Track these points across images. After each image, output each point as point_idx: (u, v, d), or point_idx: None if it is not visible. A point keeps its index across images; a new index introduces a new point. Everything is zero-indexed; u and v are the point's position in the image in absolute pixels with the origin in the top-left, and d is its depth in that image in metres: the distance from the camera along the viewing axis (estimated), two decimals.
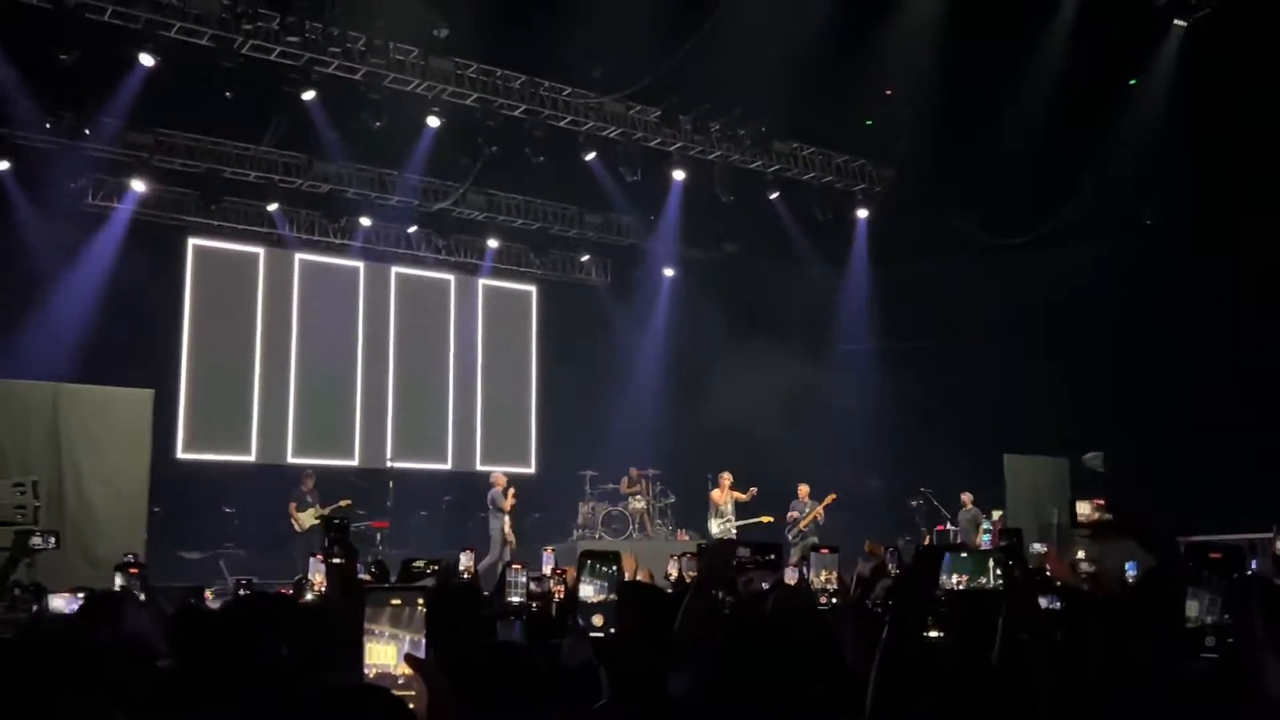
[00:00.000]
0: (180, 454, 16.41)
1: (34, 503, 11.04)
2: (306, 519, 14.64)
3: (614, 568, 2.99)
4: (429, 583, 5.20)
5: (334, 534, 3.91)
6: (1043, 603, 4.35)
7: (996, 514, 16.11)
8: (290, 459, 17.28)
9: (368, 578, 5.97)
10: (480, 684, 1.94)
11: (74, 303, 14.80)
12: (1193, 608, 2.38)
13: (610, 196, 17.40)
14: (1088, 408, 15.87)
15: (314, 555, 5.32)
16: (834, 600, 3.70)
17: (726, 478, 15.64)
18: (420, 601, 1.88)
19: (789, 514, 15.83)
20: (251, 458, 17.20)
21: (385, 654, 1.86)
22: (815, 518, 15.71)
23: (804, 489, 15.88)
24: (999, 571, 3.29)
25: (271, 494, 15.77)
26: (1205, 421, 14.48)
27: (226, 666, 3.07)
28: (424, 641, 1.87)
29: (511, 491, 15.16)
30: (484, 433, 19.29)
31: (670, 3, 13.24)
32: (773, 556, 3.49)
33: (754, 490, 15.64)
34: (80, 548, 11.57)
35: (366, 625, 1.87)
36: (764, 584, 5.55)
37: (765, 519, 15.77)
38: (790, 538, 15.59)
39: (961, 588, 3.33)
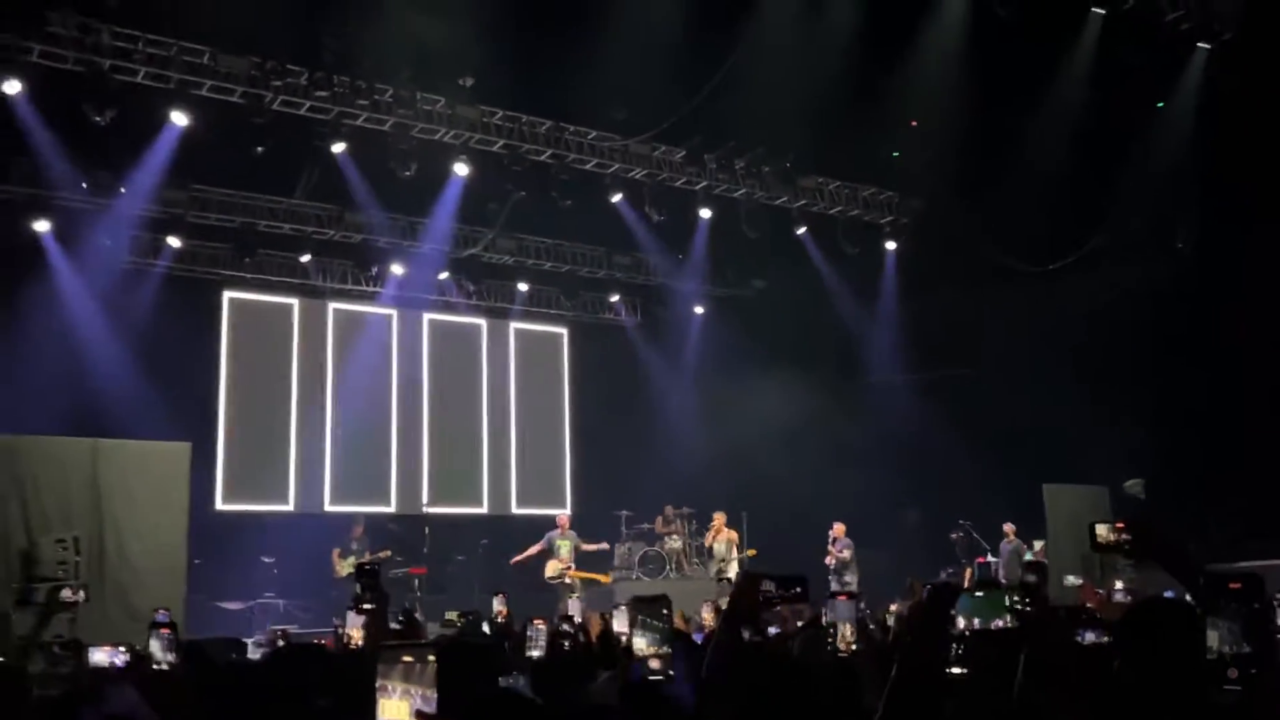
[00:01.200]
0: (219, 505, 16.54)
1: (75, 558, 11.20)
2: (345, 567, 14.70)
3: (665, 613, 2.96)
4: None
5: (365, 580, 3.94)
6: (1089, 637, 4.28)
7: (1038, 544, 15.95)
8: (328, 507, 17.39)
9: (395, 627, 5.99)
10: None
11: (112, 358, 14.99)
12: (1213, 638, 2.34)
13: (638, 237, 17.50)
14: (1127, 434, 15.68)
15: (349, 608, 5.34)
16: (854, 646, 3.65)
17: (719, 517, 15.60)
18: (431, 657, 1.90)
19: (829, 554, 15.74)
20: (289, 507, 17.31)
21: (398, 710, 1.87)
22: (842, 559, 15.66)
23: (839, 527, 15.79)
24: (1013, 610, 3.25)
25: (310, 543, 15.86)
26: (1247, 446, 14.28)
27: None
28: (435, 697, 1.88)
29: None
30: (519, 475, 19.33)
31: (691, 43, 13.34)
32: (799, 590, 3.42)
33: (751, 551, 15.70)
34: (121, 602, 11.66)
35: (380, 682, 1.89)
36: (799, 622, 5.51)
37: (750, 552, 15.73)
38: (832, 574, 15.55)
39: (977, 627, 3.29)
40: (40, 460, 12.12)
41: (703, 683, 3.04)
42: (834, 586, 15.32)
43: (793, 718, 2.75)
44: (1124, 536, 3.71)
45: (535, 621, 5.13)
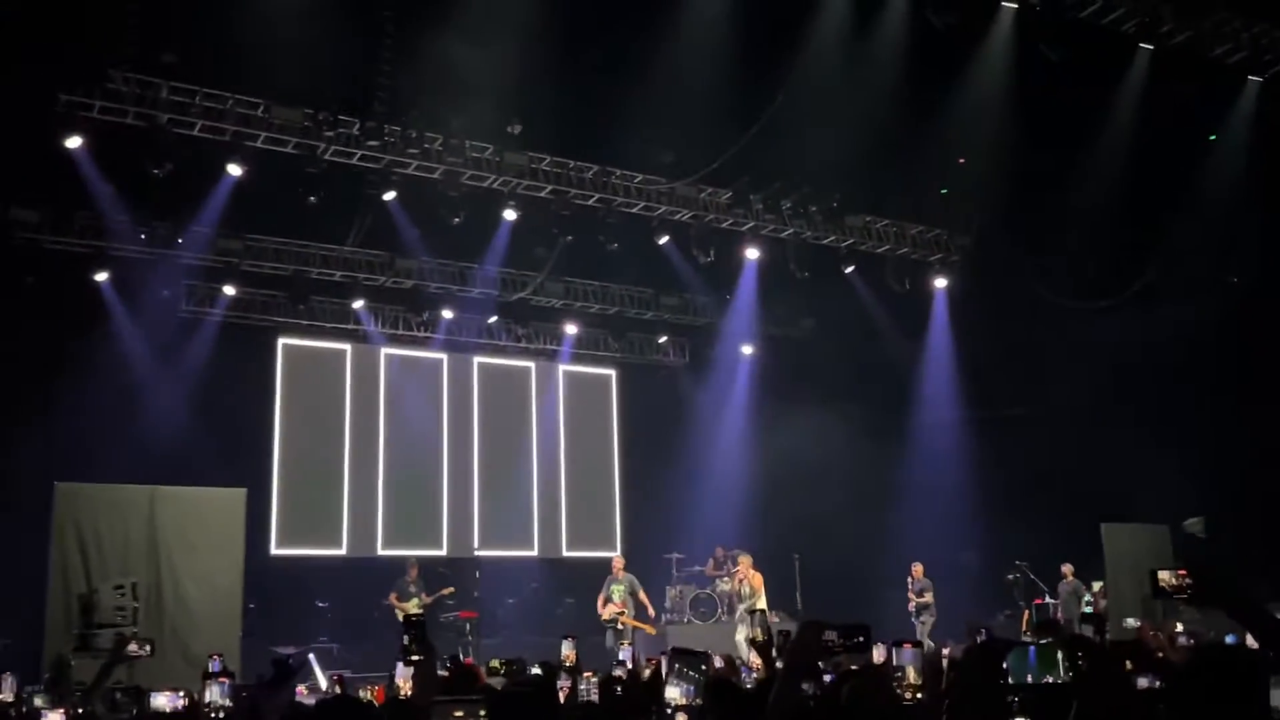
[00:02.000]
0: (273, 550, 16.67)
1: (133, 604, 11.36)
2: (410, 608, 14.69)
3: (702, 668, 2.95)
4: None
5: (412, 632, 3.95)
6: (1143, 682, 4.21)
7: (1097, 585, 15.68)
8: (380, 551, 17.48)
9: (445, 674, 5.99)
10: None
11: (169, 405, 15.21)
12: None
13: (685, 278, 17.55)
14: (1186, 472, 15.39)
15: (398, 658, 5.37)
16: (919, 696, 3.59)
17: (745, 560, 15.41)
18: (482, 713, 1.91)
19: (909, 598, 15.64)
20: (342, 551, 17.41)
21: None
22: (925, 602, 15.55)
23: (918, 568, 15.68)
24: (1067, 665, 3.19)
25: (363, 587, 15.96)
26: None
27: None
28: None
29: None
30: (569, 518, 19.33)
31: (736, 85, 13.41)
32: (861, 639, 3.38)
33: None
34: (178, 647, 11.80)
35: None
36: (853, 665, 5.46)
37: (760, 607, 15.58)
38: (914, 617, 15.47)
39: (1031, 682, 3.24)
40: (100, 508, 12.35)
41: None
42: (916, 627, 15.22)
43: None
44: (1186, 582, 3.64)
45: (587, 674, 5.10)
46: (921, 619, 15.59)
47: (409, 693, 5.06)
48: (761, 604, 15.18)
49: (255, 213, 14.86)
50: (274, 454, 17.11)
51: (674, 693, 2.87)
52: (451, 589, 15.28)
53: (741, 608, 15.18)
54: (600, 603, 15.11)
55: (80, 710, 5.16)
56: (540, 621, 16.04)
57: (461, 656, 12.39)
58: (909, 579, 15.81)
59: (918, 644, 3.63)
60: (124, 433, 14.26)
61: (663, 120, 13.92)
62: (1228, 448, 15.16)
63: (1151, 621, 11.62)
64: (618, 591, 15.07)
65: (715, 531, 17.40)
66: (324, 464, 17.55)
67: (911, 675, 3.56)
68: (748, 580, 15.19)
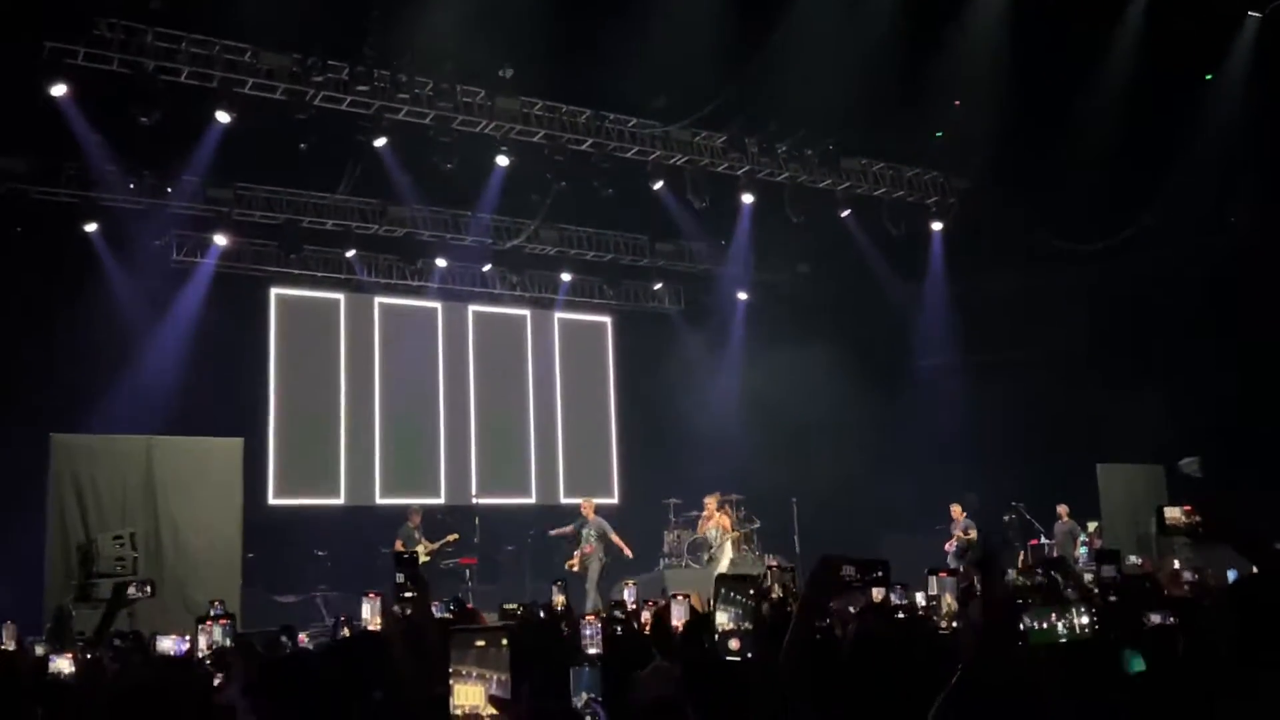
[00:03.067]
0: (271, 500, 16.69)
1: (132, 554, 11.37)
2: (421, 553, 14.69)
3: (751, 592, 2.90)
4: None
5: (405, 570, 3.93)
6: (1154, 618, 4.20)
7: (1092, 525, 15.78)
8: (378, 500, 17.52)
9: (449, 616, 5.99)
10: None
11: (163, 356, 15.16)
12: None
13: (680, 224, 17.44)
14: (1181, 412, 15.43)
15: (365, 595, 5.38)
16: (954, 625, 3.54)
17: (711, 502, 15.34)
18: (505, 641, 1.88)
19: (952, 540, 15.61)
20: (341, 501, 17.44)
21: (473, 695, 1.85)
22: (970, 540, 15.46)
23: (957, 508, 15.65)
24: (1083, 622, 3.12)
25: (362, 535, 15.99)
26: None
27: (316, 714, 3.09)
28: (510, 680, 1.87)
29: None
30: (566, 465, 19.37)
31: (730, 27, 13.25)
32: (880, 573, 3.33)
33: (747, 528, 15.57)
34: (179, 595, 11.81)
35: (453, 667, 1.87)
36: (850, 607, 5.45)
37: (734, 535, 15.56)
38: (950, 559, 15.43)
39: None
40: (97, 458, 12.33)
41: (781, 673, 2.98)
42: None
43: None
44: (1195, 519, 3.60)
45: (588, 618, 5.08)
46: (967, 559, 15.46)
47: (375, 627, 5.07)
48: (727, 553, 15.17)
49: (245, 161, 14.71)
50: (269, 404, 17.09)
51: (723, 618, 2.83)
52: (455, 535, 15.31)
53: (705, 555, 15.24)
54: (566, 534, 15.20)
55: (89, 655, 5.16)
56: (539, 568, 16.10)
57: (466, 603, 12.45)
58: (951, 523, 15.69)
59: (954, 572, 3.58)
60: (117, 383, 14.24)
61: (656, 63, 13.75)
62: (1224, 388, 15.17)
63: (1151, 559, 11.70)
64: (589, 536, 15.01)
65: (712, 477, 17.41)
66: (320, 413, 17.54)
67: (946, 603, 3.52)
68: (715, 522, 15.20)
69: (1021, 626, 3.20)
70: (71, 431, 12.66)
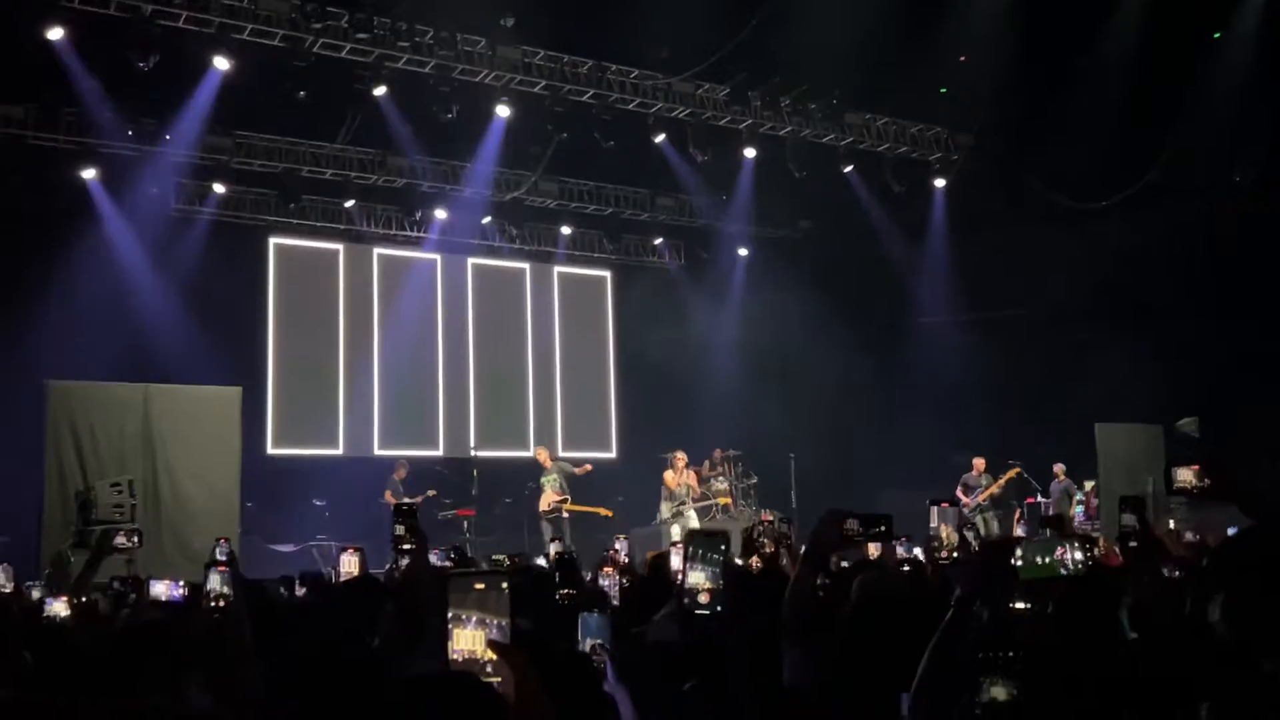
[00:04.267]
0: (270, 449, 16.72)
1: (130, 501, 11.38)
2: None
3: (723, 548, 2.87)
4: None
5: (404, 521, 3.93)
6: (1164, 570, 4.21)
7: (1089, 484, 15.80)
8: (377, 451, 17.55)
9: (449, 564, 5.99)
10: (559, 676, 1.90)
11: (161, 305, 15.13)
12: None
13: (681, 178, 17.32)
14: (1180, 373, 15.42)
15: (345, 550, 5.38)
16: (954, 555, 3.53)
17: (680, 457, 15.27)
18: (504, 585, 1.86)
19: (959, 490, 15.53)
20: (339, 451, 17.47)
21: (472, 639, 1.84)
22: (992, 493, 15.41)
23: (979, 462, 15.62)
24: (1077, 558, 3.13)
25: (360, 485, 16.02)
26: None
27: (314, 661, 3.09)
28: (509, 625, 1.85)
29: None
30: (564, 419, 19.38)
31: None
32: (883, 528, 3.33)
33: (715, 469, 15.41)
34: (177, 543, 11.87)
35: (452, 611, 1.86)
36: (844, 562, 5.46)
37: (723, 501, 15.52)
38: (967, 516, 15.37)
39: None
40: (94, 406, 12.32)
41: (782, 625, 2.98)
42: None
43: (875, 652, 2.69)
44: (1204, 480, 3.58)
45: (605, 570, 5.02)
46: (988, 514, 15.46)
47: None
48: (692, 519, 15.07)
49: (244, 109, 14.59)
50: (268, 354, 17.08)
51: (697, 577, 2.78)
52: (433, 491, 15.30)
53: (668, 510, 15.11)
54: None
55: (82, 599, 5.17)
56: (536, 521, 16.13)
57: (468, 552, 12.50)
58: (969, 473, 15.65)
59: (953, 502, 3.57)
60: (116, 331, 14.20)
61: (659, 14, 13.61)
62: (1224, 349, 15.15)
63: (1153, 517, 11.72)
64: (550, 482, 15.01)
65: (710, 432, 17.46)
66: (319, 364, 17.53)
67: (945, 534, 3.51)
68: (687, 479, 15.12)
69: (1015, 561, 3.21)
70: (69, 379, 12.64)
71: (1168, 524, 10.32)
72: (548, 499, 14.98)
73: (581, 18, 14.04)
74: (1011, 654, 2.10)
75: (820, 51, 14.61)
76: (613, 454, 19.36)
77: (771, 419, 17.66)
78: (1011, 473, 15.47)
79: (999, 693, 2.05)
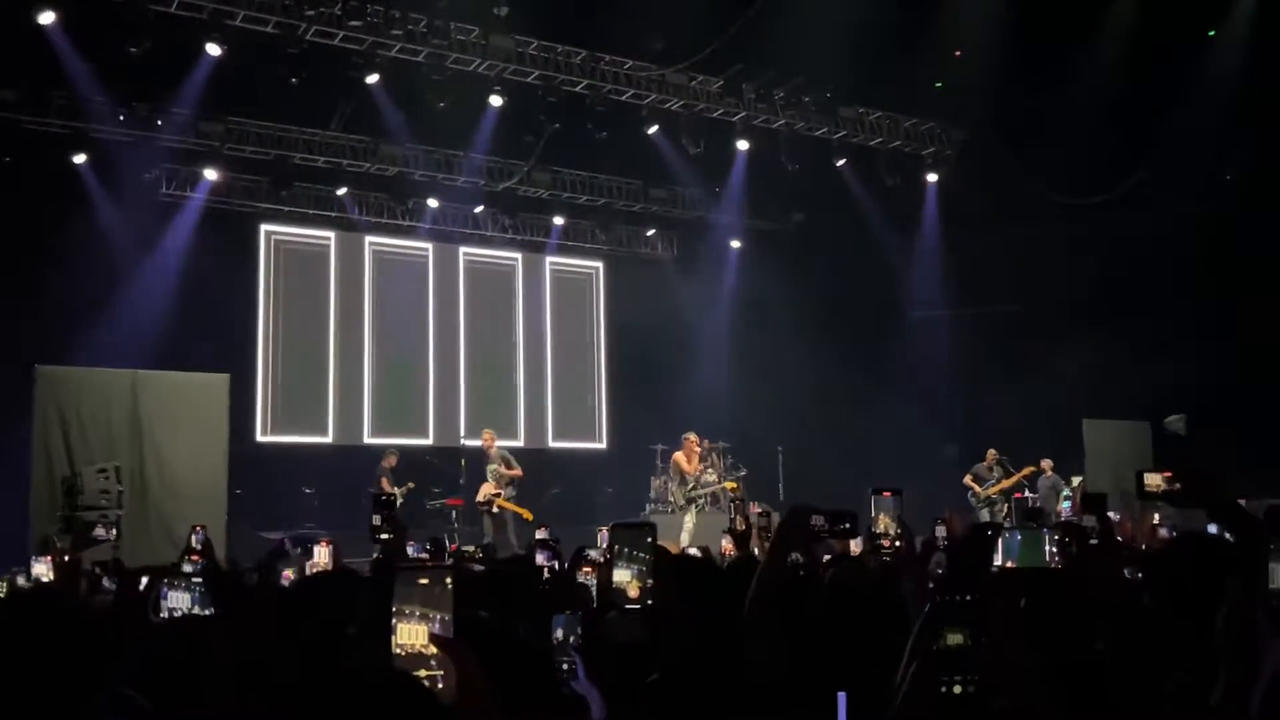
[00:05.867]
0: (260, 437, 16.72)
1: (117, 487, 11.40)
2: (401, 493, 14.54)
3: (649, 540, 2.84)
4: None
5: (381, 512, 3.94)
6: (1127, 572, 4.23)
7: (1076, 480, 15.83)
8: (367, 439, 17.55)
9: (425, 555, 6.01)
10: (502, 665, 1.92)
11: (151, 291, 15.09)
12: (1277, 574, 2.25)
13: (674, 170, 17.31)
14: (1169, 370, 15.45)
15: (319, 543, 5.38)
16: (897, 544, 3.53)
17: (692, 439, 14.72)
18: (449, 579, 1.87)
19: (967, 478, 15.46)
20: (329, 439, 17.47)
21: (415, 634, 1.85)
22: (1004, 487, 15.34)
23: (992, 454, 15.50)
24: (1055, 551, 3.17)
25: (350, 473, 16.02)
26: None
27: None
28: (452, 620, 1.86)
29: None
30: (554, 409, 19.38)
31: None
32: (848, 525, 3.34)
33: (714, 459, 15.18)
34: (163, 529, 11.89)
35: (397, 605, 1.87)
36: (825, 555, 5.47)
37: (730, 485, 15.36)
38: (974, 506, 15.29)
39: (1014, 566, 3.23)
40: (81, 391, 12.33)
41: (745, 615, 2.99)
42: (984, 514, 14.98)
43: (839, 646, 2.70)
44: (1174, 486, 3.59)
45: (585, 570, 4.97)
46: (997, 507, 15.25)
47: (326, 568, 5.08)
48: (679, 500, 14.78)
49: (236, 95, 14.57)
50: (259, 341, 17.07)
51: (623, 576, 2.70)
52: (412, 484, 15.13)
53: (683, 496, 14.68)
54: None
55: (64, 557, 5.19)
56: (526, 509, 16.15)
57: (447, 543, 12.48)
58: (980, 462, 15.57)
59: (897, 490, 3.54)
60: (105, 316, 14.19)
61: (653, 4, 13.59)
62: (1213, 346, 15.19)
63: (1130, 515, 11.75)
64: (492, 472, 14.39)
65: (700, 424, 17.41)
66: (310, 351, 17.53)
67: (884, 524, 3.49)
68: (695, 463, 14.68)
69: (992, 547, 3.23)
70: (57, 364, 12.63)
71: (1152, 519, 10.34)
72: (486, 490, 14.24)
73: (575, 8, 14.04)
74: (969, 598, 2.15)
75: (814, 45, 14.59)
76: (602, 444, 19.38)
77: (761, 411, 17.69)
78: (1028, 469, 15.43)
79: (954, 638, 2.10)
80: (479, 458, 14.91)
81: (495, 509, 14.05)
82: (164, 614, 3.80)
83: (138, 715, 2.49)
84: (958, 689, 2.06)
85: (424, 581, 1.87)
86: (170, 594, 3.73)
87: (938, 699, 2.06)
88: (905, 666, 2.32)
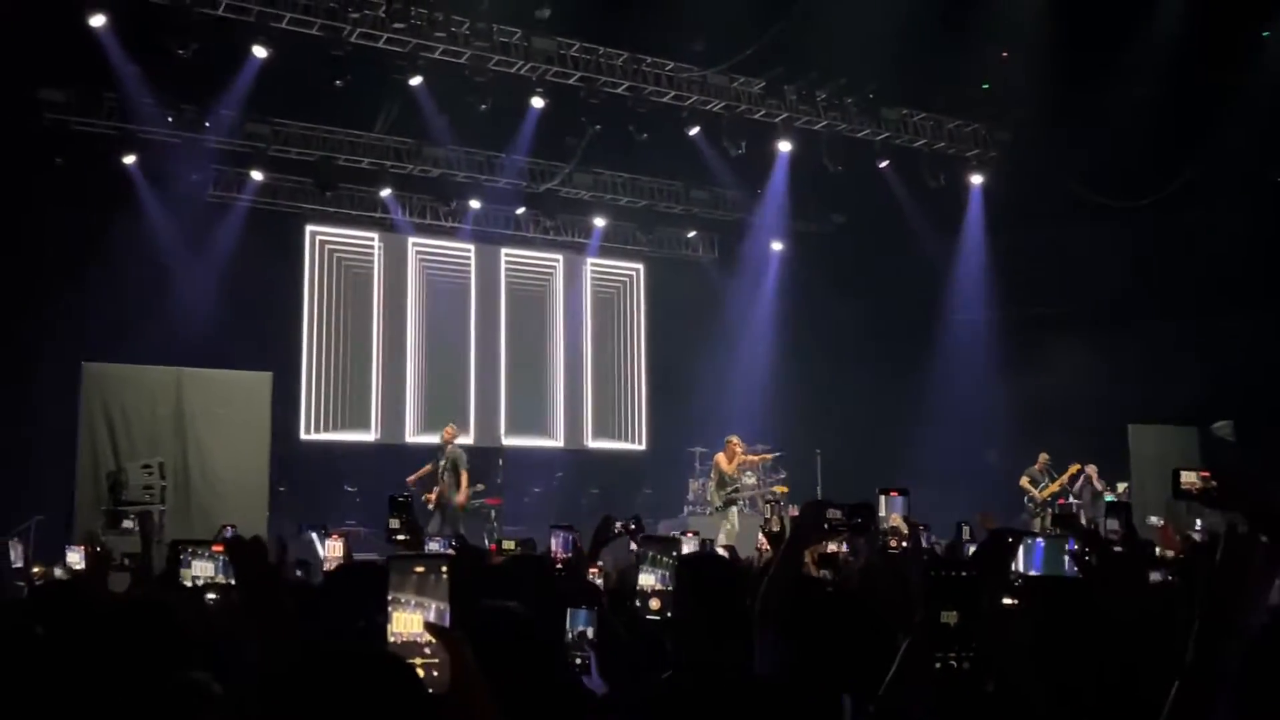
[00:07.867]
0: (304, 435, 16.90)
1: (160, 482, 11.57)
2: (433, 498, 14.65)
3: (674, 553, 2.95)
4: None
5: (397, 513, 3.96)
6: (1155, 576, 4.18)
7: (1121, 486, 15.61)
8: (409, 438, 17.68)
9: (450, 552, 6.04)
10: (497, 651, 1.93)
11: (197, 290, 15.31)
12: None
13: (716, 171, 17.29)
14: (1217, 374, 15.20)
15: (329, 536, 5.40)
16: (904, 544, 3.54)
17: (736, 442, 14.60)
18: (444, 569, 1.89)
19: (1023, 480, 15.33)
20: (372, 437, 17.62)
21: (411, 623, 1.87)
22: (1053, 491, 15.16)
23: (1043, 457, 15.39)
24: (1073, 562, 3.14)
25: (392, 472, 16.12)
26: None
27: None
28: (448, 609, 1.88)
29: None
30: (594, 410, 19.42)
31: None
32: (861, 520, 3.34)
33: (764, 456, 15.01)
34: (206, 524, 12.01)
35: (392, 594, 1.89)
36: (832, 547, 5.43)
37: (779, 489, 15.27)
38: (1030, 510, 15.12)
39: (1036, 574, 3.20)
40: (127, 388, 12.54)
41: (756, 614, 2.99)
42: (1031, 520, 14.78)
43: (850, 649, 2.69)
44: (1210, 485, 3.54)
45: (594, 570, 4.97)
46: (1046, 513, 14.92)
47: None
48: (716, 501, 14.68)
49: (282, 97, 14.76)
50: (303, 340, 17.25)
51: (648, 580, 2.88)
52: (483, 486, 15.18)
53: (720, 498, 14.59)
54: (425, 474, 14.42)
55: (97, 547, 5.29)
56: (563, 511, 16.18)
57: (486, 542, 12.54)
58: (1031, 467, 15.41)
59: (904, 491, 3.54)
60: (152, 315, 14.39)
61: (695, 6, 13.58)
62: (1262, 351, 14.93)
63: (1175, 521, 11.59)
64: (443, 468, 14.26)
65: (740, 427, 17.39)
66: (354, 351, 17.68)
67: (895, 522, 3.51)
68: (738, 465, 14.58)
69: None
70: (104, 361, 12.85)
71: (1194, 524, 10.19)
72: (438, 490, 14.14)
73: (617, 10, 14.07)
74: (963, 574, 2.15)
75: (857, 45, 14.50)
76: (642, 446, 19.39)
77: (801, 414, 17.61)
78: (1073, 467, 15.25)
79: (949, 616, 2.12)
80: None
81: (432, 504, 13.92)
82: (188, 583, 3.86)
83: (209, 701, 2.52)
84: (953, 664, 2.07)
85: (419, 570, 1.89)
86: (194, 563, 3.80)
87: (932, 673, 2.08)
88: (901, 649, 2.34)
